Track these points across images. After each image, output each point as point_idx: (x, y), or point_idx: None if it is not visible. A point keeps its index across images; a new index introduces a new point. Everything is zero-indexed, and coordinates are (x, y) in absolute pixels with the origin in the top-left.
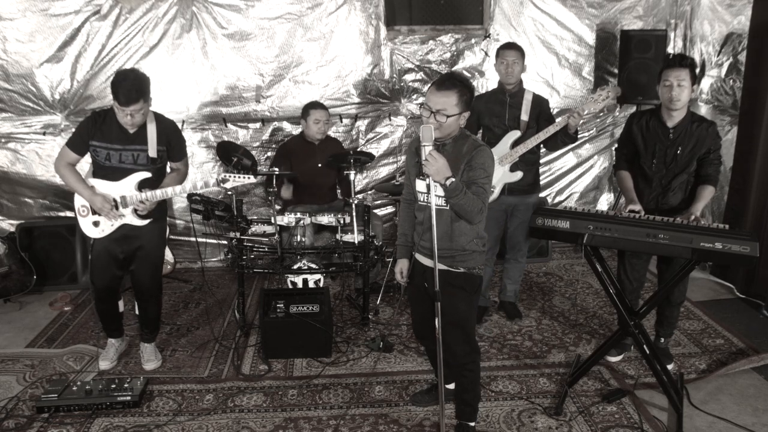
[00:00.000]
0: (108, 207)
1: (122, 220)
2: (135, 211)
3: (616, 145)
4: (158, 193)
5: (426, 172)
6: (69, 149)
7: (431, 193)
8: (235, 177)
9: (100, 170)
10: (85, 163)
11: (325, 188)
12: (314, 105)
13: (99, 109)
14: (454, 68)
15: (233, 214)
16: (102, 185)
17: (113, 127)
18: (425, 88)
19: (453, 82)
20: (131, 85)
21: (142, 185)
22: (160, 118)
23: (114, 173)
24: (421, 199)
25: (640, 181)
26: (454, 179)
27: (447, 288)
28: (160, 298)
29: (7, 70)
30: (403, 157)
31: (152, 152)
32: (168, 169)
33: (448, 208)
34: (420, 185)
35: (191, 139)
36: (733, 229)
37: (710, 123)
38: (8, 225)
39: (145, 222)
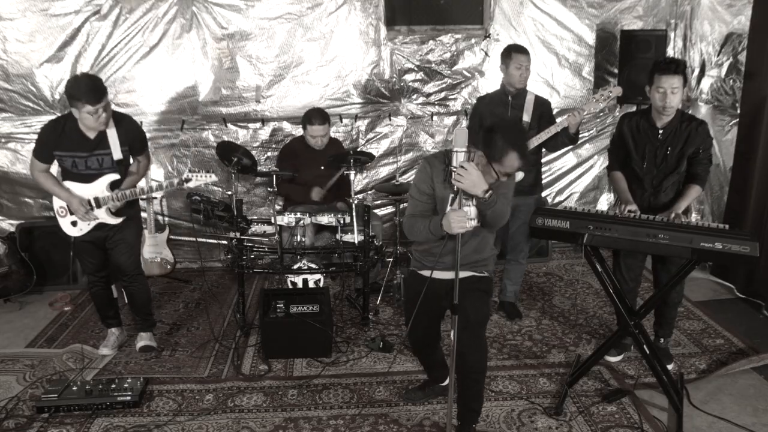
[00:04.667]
0: (84, 210)
1: (97, 220)
2: (108, 210)
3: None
4: (127, 193)
5: (457, 184)
6: (36, 159)
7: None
8: (197, 176)
9: (69, 174)
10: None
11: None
12: (312, 120)
13: (55, 117)
14: (454, 68)
15: (233, 214)
16: (76, 187)
17: (74, 135)
18: (425, 88)
19: None
20: (92, 84)
21: (113, 186)
22: (117, 117)
23: (83, 176)
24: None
25: (632, 182)
26: (492, 191)
27: (471, 292)
28: (144, 282)
29: (7, 70)
30: (403, 158)
31: (117, 155)
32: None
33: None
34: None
35: (191, 139)
36: (733, 229)
37: (700, 122)
38: (8, 225)
39: (119, 220)
